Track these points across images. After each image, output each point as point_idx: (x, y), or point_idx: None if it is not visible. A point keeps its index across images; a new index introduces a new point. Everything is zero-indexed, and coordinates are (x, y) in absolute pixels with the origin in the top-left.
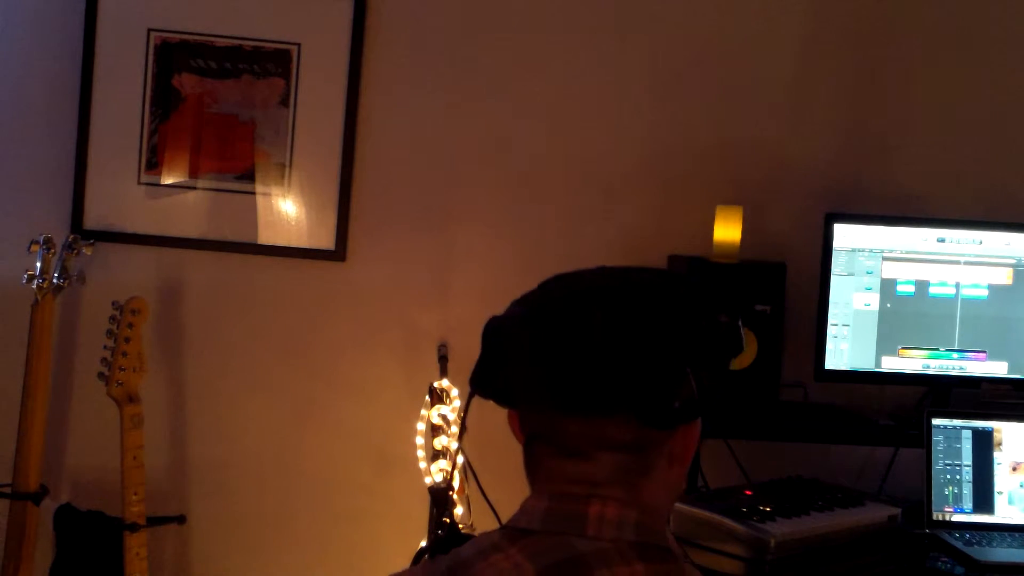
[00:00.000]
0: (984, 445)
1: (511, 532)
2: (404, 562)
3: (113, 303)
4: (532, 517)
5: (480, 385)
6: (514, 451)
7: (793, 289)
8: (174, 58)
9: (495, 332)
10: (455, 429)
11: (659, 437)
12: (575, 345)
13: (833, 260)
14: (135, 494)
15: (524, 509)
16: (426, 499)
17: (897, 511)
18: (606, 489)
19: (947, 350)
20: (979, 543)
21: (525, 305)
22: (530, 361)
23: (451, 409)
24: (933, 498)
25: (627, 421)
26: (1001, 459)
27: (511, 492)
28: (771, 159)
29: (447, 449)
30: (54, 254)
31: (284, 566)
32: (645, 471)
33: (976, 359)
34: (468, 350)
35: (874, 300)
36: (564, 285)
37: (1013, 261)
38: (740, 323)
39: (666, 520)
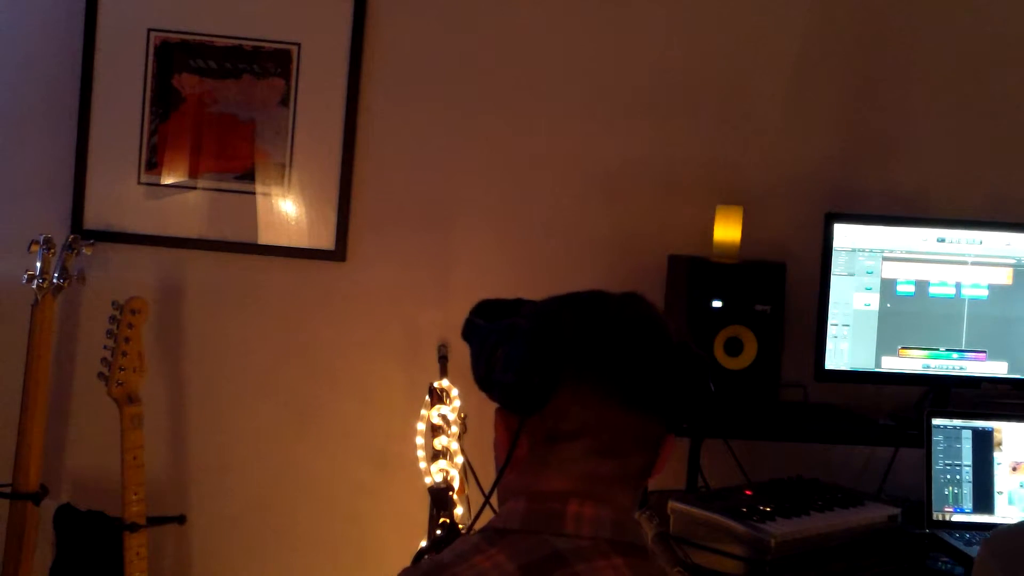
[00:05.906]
0: (984, 445)
1: (491, 533)
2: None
3: (113, 303)
4: (511, 518)
5: (520, 387)
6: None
7: (793, 289)
8: (174, 58)
9: (542, 333)
10: (455, 429)
11: (661, 443)
12: (650, 344)
13: (833, 260)
14: (135, 494)
15: (504, 511)
16: (426, 499)
17: (897, 511)
18: (612, 489)
19: (947, 350)
20: (979, 543)
21: (572, 306)
22: (605, 356)
23: (451, 409)
24: (933, 498)
25: (658, 422)
26: (1001, 459)
27: None
28: (771, 159)
29: (447, 449)
30: (54, 254)
31: (284, 566)
32: (648, 474)
33: (976, 359)
34: (468, 350)
35: (874, 300)
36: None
37: (1013, 261)
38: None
39: (635, 520)
